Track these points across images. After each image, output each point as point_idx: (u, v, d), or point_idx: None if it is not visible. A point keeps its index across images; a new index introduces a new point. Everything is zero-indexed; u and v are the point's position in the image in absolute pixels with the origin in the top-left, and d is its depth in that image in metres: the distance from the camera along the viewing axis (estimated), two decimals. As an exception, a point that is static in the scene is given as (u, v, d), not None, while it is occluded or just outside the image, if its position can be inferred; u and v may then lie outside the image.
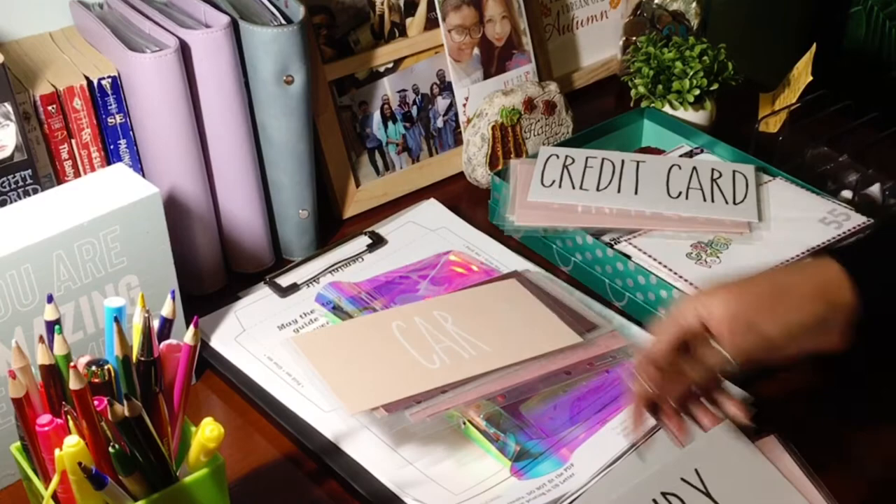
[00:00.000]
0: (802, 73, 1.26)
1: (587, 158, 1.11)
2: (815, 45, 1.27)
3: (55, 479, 0.66)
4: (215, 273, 1.05)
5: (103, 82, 0.94)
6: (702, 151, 1.18)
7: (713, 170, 1.10)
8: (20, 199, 0.89)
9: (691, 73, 1.23)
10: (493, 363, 0.90)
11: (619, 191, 1.07)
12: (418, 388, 0.87)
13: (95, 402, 0.66)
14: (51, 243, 0.81)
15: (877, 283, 0.75)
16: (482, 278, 1.03)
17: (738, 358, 0.74)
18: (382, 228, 1.11)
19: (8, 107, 0.86)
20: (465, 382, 0.88)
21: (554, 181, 1.09)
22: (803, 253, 1.00)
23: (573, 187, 1.08)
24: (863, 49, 1.75)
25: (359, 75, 1.17)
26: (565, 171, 1.10)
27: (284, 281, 1.04)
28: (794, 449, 0.80)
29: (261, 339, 0.97)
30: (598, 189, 1.08)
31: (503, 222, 1.08)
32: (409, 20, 1.20)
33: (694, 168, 1.10)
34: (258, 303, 1.01)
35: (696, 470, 0.78)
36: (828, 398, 0.94)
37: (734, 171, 1.10)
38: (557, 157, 1.12)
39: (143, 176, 0.97)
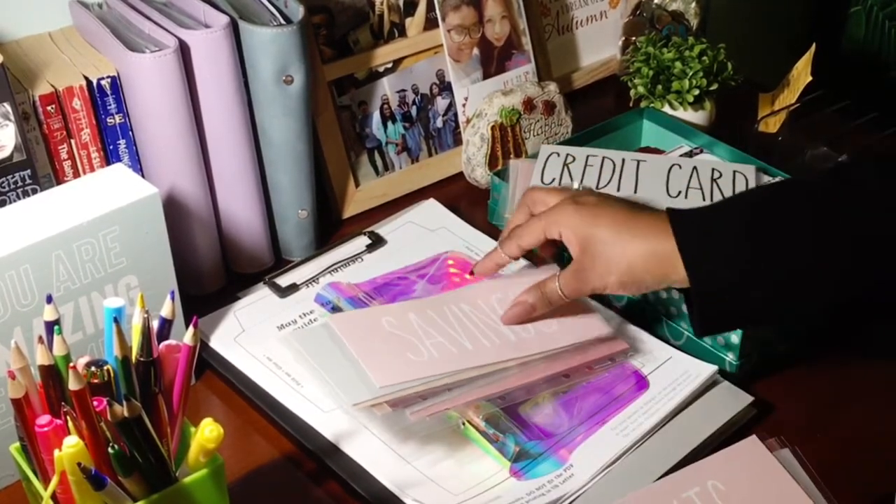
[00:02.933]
0: (802, 73, 1.26)
1: (588, 157, 1.11)
2: (814, 45, 1.27)
3: (54, 480, 0.66)
4: (215, 273, 1.05)
5: (103, 82, 0.94)
6: (701, 151, 1.18)
7: (713, 170, 1.10)
8: (19, 199, 0.89)
9: (691, 74, 1.23)
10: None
11: (618, 190, 1.07)
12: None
13: (95, 403, 0.66)
14: (50, 243, 0.81)
15: (710, 263, 0.82)
16: (481, 280, 1.03)
17: (570, 295, 0.90)
18: (382, 228, 1.11)
19: (7, 107, 0.86)
20: (486, 374, 0.88)
21: (554, 179, 1.09)
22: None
23: (573, 186, 1.08)
24: (863, 49, 1.75)
25: (358, 75, 1.17)
26: (566, 169, 1.10)
27: (284, 281, 1.04)
28: (800, 454, 0.80)
29: (260, 339, 0.97)
30: (597, 188, 1.08)
31: (502, 222, 1.08)
32: (408, 20, 1.20)
33: (694, 168, 1.10)
34: (258, 303, 1.01)
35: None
36: (830, 399, 0.94)
37: (734, 172, 1.10)
38: (558, 155, 1.12)
39: (143, 176, 0.97)
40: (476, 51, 1.24)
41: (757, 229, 0.82)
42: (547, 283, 0.91)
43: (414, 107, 1.22)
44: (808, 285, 0.81)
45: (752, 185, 1.08)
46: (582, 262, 0.87)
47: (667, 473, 0.83)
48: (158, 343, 0.72)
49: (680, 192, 1.07)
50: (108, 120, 0.96)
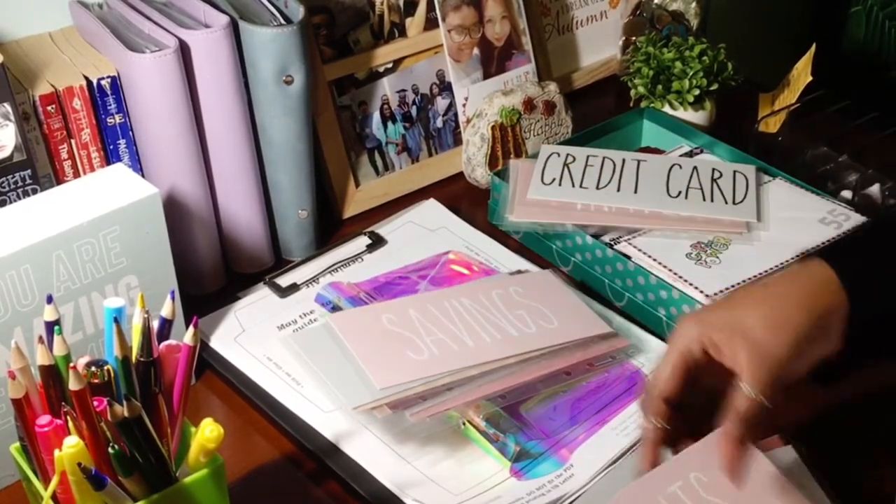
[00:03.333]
0: (802, 73, 1.26)
1: (588, 157, 1.11)
2: (814, 45, 1.27)
3: (54, 480, 0.66)
4: (215, 273, 1.05)
5: (103, 82, 0.94)
6: (701, 151, 1.18)
7: (714, 170, 1.10)
8: (19, 199, 0.89)
9: (691, 74, 1.23)
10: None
11: (618, 189, 1.07)
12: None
13: (95, 403, 0.66)
14: (50, 244, 0.81)
15: (866, 283, 0.74)
16: (481, 278, 1.03)
17: (762, 391, 0.70)
18: (382, 228, 1.11)
19: (7, 107, 0.86)
20: (487, 372, 0.88)
21: (554, 179, 1.09)
22: (803, 253, 1.00)
23: (573, 185, 1.08)
24: (863, 49, 1.75)
25: (358, 75, 1.17)
26: (566, 169, 1.10)
27: (284, 281, 1.04)
28: (802, 449, 0.80)
29: (260, 339, 0.97)
30: (597, 187, 1.08)
31: (503, 222, 1.08)
32: (408, 20, 1.20)
33: (694, 168, 1.10)
34: (258, 303, 1.01)
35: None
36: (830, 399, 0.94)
37: (734, 172, 1.10)
38: (558, 155, 1.12)
39: (143, 176, 0.97)
40: (476, 51, 1.24)
41: None
42: (734, 401, 0.71)
43: (414, 107, 1.22)
44: None
45: (752, 185, 1.08)
46: (750, 343, 0.71)
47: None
48: (158, 343, 0.72)
49: (680, 192, 1.07)
50: (109, 120, 0.96)
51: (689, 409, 0.75)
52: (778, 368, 0.71)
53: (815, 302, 0.72)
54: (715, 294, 0.95)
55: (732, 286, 0.96)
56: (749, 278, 0.97)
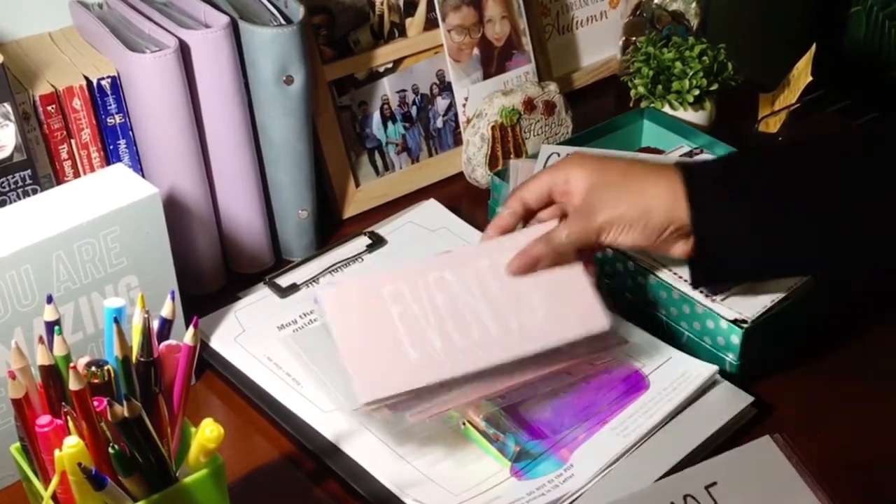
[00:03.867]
0: (802, 73, 1.26)
1: (587, 158, 1.11)
2: (814, 45, 1.27)
3: (55, 480, 0.66)
4: (215, 273, 1.05)
5: (103, 82, 0.94)
6: (701, 152, 1.18)
7: (713, 170, 1.10)
8: (20, 199, 0.89)
9: (691, 74, 1.23)
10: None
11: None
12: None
13: (95, 403, 0.66)
14: (50, 244, 0.81)
15: (708, 186, 0.84)
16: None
17: (574, 238, 0.86)
18: (382, 229, 1.11)
19: (7, 107, 0.86)
20: (478, 376, 0.86)
21: (554, 181, 1.08)
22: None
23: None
24: (863, 49, 1.75)
25: (358, 75, 1.17)
26: (565, 170, 1.10)
27: (284, 281, 1.04)
28: (795, 449, 0.80)
29: (261, 339, 0.97)
30: (597, 189, 1.08)
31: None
32: (408, 20, 1.20)
33: (694, 168, 1.10)
34: (258, 303, 1.01)
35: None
36: (830, 399, 0.94)
37: (734, 172, 1.10)
38: (558, 155, 1.12)
39: (143, 176, 0.97)
40: (476, 51, 1.24)
41: (765, 188, 0.84)
42: (552, 232, 0.87)
43: (414, 107, 1.22)
44: (808, 248, 0.84)
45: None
46: (589, 201, 0.86)
47: (667, 473, 0.83)
48: (159, 343, 0.72)
49: (680, 193, 1.07)
50: (109, 120, 0.96)
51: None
52: (592, 231, 0.86)
53: (667, 207, 0.84)
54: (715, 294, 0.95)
55: (733, 286, 0.96)
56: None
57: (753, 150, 1.00)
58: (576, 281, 0.89)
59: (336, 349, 0.85)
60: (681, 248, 0.87)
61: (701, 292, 0.95)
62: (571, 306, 0.88)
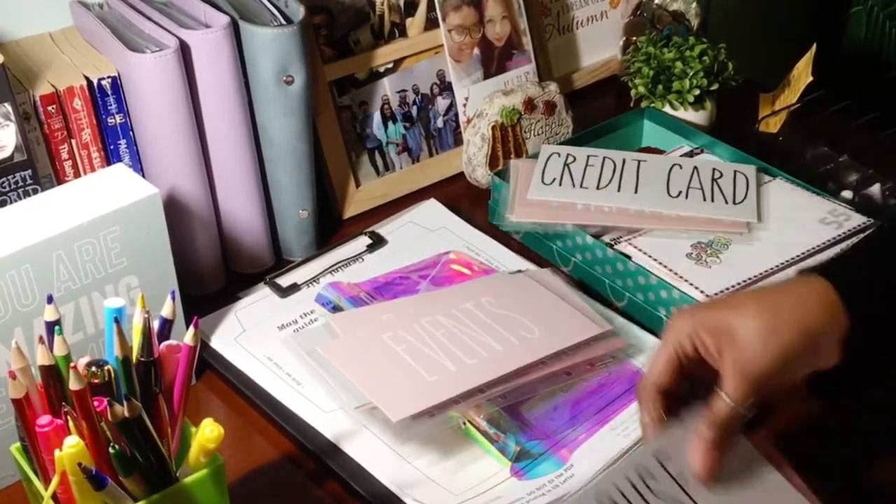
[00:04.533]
0: (802, 73, 1.26)
1: (588, 157, 1.11)
2: (815, 46, 1.27)
3: (55, 480, 0.66)
4: (215, 273, 1.05)
5: (103, 82, 0.94)
6: (702, 152, 1.18)
7: (714, 170, 1.10)
8: (20, 199, 0.89)
9: (691, 74, 1.23)
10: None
11: (619, 189, 1.07)
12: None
13: (95, 403, 0.66)
14: (51, 244, 0.81)
15: (866, 299, 0.73)
16: (481, 277, 1.03)
17: (740, 399, 0.71)
18: (382, 229, 1.11)
19: (8, 107, 0.86)
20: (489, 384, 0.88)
21: (555, 179, 1.09)
22: (803, 253, 1.00)
23: (573, 185, 1.08)
24: (863, 49, 1.75)
25: (359, 75, 1.17)
26: (566, 169, 1.10)
27: (284, 281, 1.04)
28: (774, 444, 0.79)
29: (261, 339, 0.97)
30: (598, 187, 1.08)
31: (503, 222, 1.08)
32: (408, 20, 1.20)
33: (695, 168, 1.10)
34: (258, 303, 1.01)
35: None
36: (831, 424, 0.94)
37: (735, 172, 1.10)
38: (559, 155, 1.12)
39: (143, 176, 0.97)
40: (476, 51, 1.24)
41: None
42: (713, 406, 0.72)
43: (414, 107, 1.22)
44: None
45: (752, 185, 1.08)
46: (737, 352, 0.71)
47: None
48: (159, 343, 0.72)
49: (680, 193, 1.07)
50: (109, 120, 0.96)
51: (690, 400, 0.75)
52: (759, 379, 0.70)
53: (810, 320, 0.71)
54: (715, 294, 0.95)
55: (733, 286, 0.96)
56: (750, 278, 0.97)
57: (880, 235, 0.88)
58: (559, 306, 0.94)
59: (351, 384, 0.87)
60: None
61: (702, 292, 0.95)
62: (565, 322, 0.93)
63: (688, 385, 0.75)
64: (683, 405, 0.76)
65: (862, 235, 1.00)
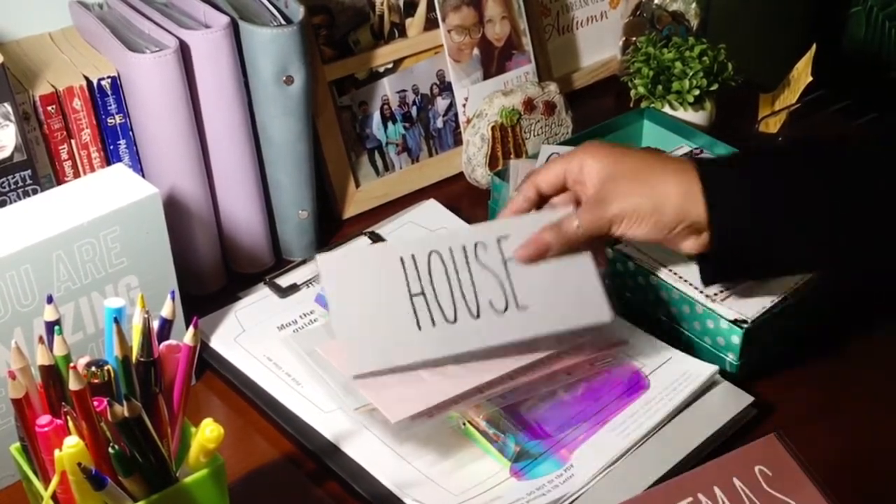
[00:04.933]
0: (802, 73, 1.26)
1: (587, 158, 1.11)
2: (815, 46, 1.27)
3: (55, 480, 0.66)
4: (215, 273, 1.05)
5: (103, 83, 0.94)
6: (702, 152, 1.18)
7: (713, 170, 1.10)
8: (20, 199, 0.89)
9: (691, 74, 1.23)
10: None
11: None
12: (453, 390, 0.85)
13: (95, 403, 0.66)
14: (50, 244, 0.81)
15: (728, 220, 0.83)
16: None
17: (587, 227, 0.86)
18: (382, 229, 1.11)
19: (7, 107, 0.86)
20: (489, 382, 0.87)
21: (554, 181, 1.08)
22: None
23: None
24: (863, 49, 1.75)
25: (359, 75, 1.17)
26: (565, 170, 1.10)
27: (284, 281, 1.04)
28: (794, 448, 0.80)
29: (261, 339, 0.97)
30: (598, 189, 1.08)
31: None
32: (408, 20, 1.20)
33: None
34: (258, 303, 1.01)
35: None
36: (831, 399, 0.94)
37: (734, 172, 1.10)
38: (558, 155, 1.11)
39: (143, 176, 0.97)
40: (476, 51, 1.24)
41: (781, 185, 0.84)
42: (564, 220, 0.87)
43: (414, 107, 1.22)
44: (819, 239, 0.84)
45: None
46: (603, 191, 0.85)
47: (667, 474, 0.83)
48: (159, 343, 0.72)
49: (680, 193, 1.07)
50: (109, 120, 0.96)
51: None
52: (604, 221, 0.85)
53: (680, 205, 0.83)
54: (715, 294, 0.95)
55: (733, 286, 0.96)
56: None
57: (767, 146, 0.99)
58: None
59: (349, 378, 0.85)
60: (691, 244, 0.86)
61: (702, 292, 0.95)
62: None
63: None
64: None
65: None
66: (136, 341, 0.70)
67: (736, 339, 0.92)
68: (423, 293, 0.86)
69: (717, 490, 0.76)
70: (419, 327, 0.84)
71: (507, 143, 1.20)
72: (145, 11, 1.00)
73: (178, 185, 0.98)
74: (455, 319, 0.86)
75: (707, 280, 0.90)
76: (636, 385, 0.92)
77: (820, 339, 0.98)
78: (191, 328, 0.71)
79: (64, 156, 0.95)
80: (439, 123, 1.24)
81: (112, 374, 0.68)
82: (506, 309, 0.87)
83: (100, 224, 0.83)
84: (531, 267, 0.88)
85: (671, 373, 0.92)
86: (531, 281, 0.88)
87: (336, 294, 0.85)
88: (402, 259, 0.86)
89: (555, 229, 0.87)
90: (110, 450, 0.65)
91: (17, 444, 0.72)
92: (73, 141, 0.95)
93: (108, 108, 0.96)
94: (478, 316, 0.86)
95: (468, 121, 1.22)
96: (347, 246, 0.89)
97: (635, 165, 0.86)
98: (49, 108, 0.92)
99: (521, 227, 0.89)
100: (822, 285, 0.96)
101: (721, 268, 0.87)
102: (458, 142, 1.25)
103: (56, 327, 0.69)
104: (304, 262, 1.07)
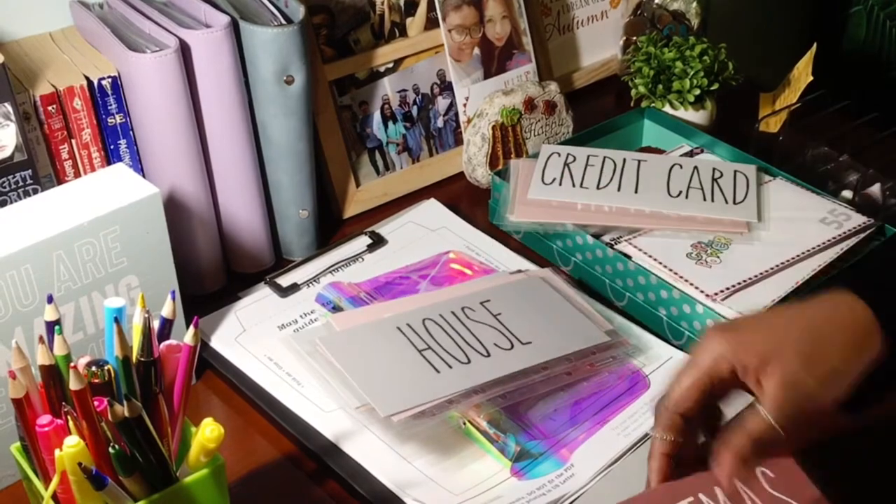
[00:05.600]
0: (802, 73, 1.26)
1: (588, 157, 1.11)
2: (815, 45, 1.27)
3: (55, 480, 0.66)
4: (215, 273, 1.05)
5: (103, 82, 0.94)
6: (702, 151, 1.18)
7: (714, 169, 1.10)
8: (20, 199, 0.89)
9: (691, 73, 1.23)
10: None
11: (619, 189, 1.07)
12: (451, 389, 0.86)
13: (95, 403, 0.66)
14: (51, 243, 0.81)
15: None
16: (481, 277, 1.03)
17: (782, 422, 0.69)
18: (382, 228, 1.11)
19: (8, 107, 0.86)
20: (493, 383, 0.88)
21: (555, 179, 1.09)
22: (803, 253, 1.00)
23: (573, 185, 1.08)
24: (863, 49, 1.75)
25: (359, 75, 1.17)
26: (566, 169, 1.10)
27: (284, 281, 1.04)
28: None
29: (261, 339, 0.97)
30: (598, 187, 1.08)
31: (503, 222, 1.08)
32: (409, 20, 1.20)
33: (695, 167, 1.10)
34: (258, 303, 1.01)
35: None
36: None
37: (735, 171, 1.10)
38: (559, 155, 1.12)
39: (143, 176, 0.97)
40: (477, 51, 1.24)
41: None
42: (747, 421, 0.70)
43: (415, 106, 1.22)
44: None
45: (752, 185, 1.08)
46: (784, 375, 0.69)
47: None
48: (159, 343, 0.72)
49: (680, 192, 1.07)
50: (109, 120, 0.96)
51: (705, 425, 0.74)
52: (805, 404, 0.69)
53: (856, 346, 0.70)
54: (715, 294, 0.95)
55: (733, 286, 0.96)
56: (749, 278, 0.97)
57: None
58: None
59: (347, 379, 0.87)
60: None
61: (702, 292, 0.95)
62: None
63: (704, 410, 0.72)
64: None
65: (886, 240, 0.99)
66: (136, 341, 0.70)
67: (736, 339, 0.92)
68: (430, 348, 0.90)
69: (717, 491, 0.75)
70: (437, 371, 0.88)
71: (508, 142, 1.20)
72: (146, 11, 1.00)
73: (178, 184, 0.98)
74: (468, 361, 0.89)
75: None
76: (636, 385, 0.92)
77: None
78: (191, 328, 0.71)
79: (64, 155, 0.95)
80: (440, 123, 1.24)
81: (112, 374, 0.68)
82: (511, 347, 0.91)
83: (100, 224, 0.83)
84: (520, 315, 0.94)
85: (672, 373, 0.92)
86: (525, 324, 0.93)
87: (349, 363, 0.88)
88: (399, 328, 0.92)
89: (742, 439, 0.70)
90: (110, 450, 0.65)
91: (18, 444, 0.72)
92: (73, 141, 0.95)
93: (109, 107, 0.96)
94: (488, 355, 0.90)
95: (469, 120, 1.22)
96: (340, 326, 0.93)
97: (785, 324, 0.71)
98: (49, 107, 0.93)
99: (498, 291, 0.96)
100: (822, 284, 0.96)
101: None
102: (458, 141, 1.25)
103: (56, 327, 0.69)
104: (304, 261, 1.07)
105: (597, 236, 1.04)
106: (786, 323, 0.71)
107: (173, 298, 0.74)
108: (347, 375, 0.87)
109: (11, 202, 0.89)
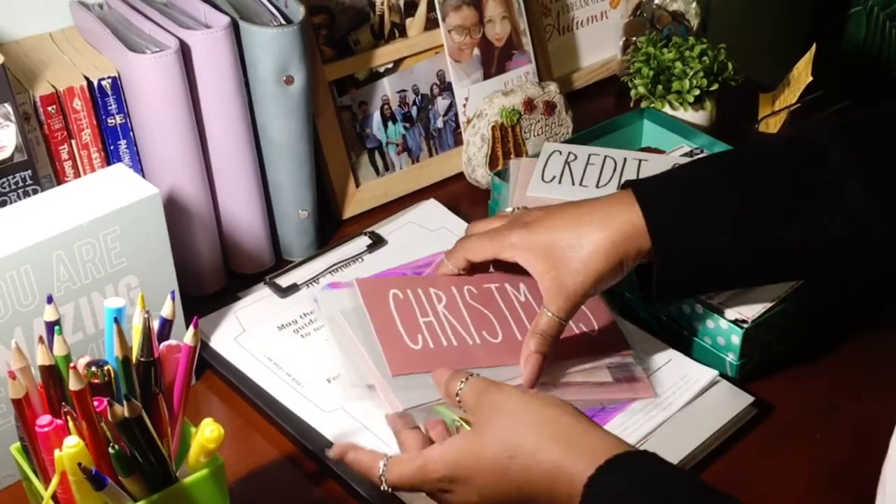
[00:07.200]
0: (802, 73, 1.26)
1: (589, 155, 1.11)
2: (814, 46, 1.27)
3: (55, 480, 0.66)
4: (215, 273, 1.05)
5: (103, 83, 0.94)
6: (702, 152, 1.18)
7: (713, 170, 1.10)
8: (20, 199, 0.89)
9: (691, 74, 1.23)
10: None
11: (618, 188, 1.07)
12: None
13: (95, 403, 0.66)
14: (51, 244, 0.81)
15: (671, 232, 0.83)
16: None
17: (563, 315, 0.85)
18: (382, 229, 1.11)
19: (8, 107, 0.86)
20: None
21: (554, 177, 1.09)
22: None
23: (573, 183, 1.08)
24: (863, 49, 1.75)
25: (359, 75, 1.17)
26: (566, 167, 1.10)
27: (284, 281, 1.04)
28: None
29: (261, 339, 0.97)
30: (597, 186, 1.08)
31: (503, 222, 1.08)
32: (408, 20, 1.20)
33: (694, 168, 1.10)
34: (258, 303, 1.01)
35: None
36: (831, 399, 0.94)
37: (734, 172, 1.10)
38: (560, 153, 1.12)
39: (143, 176, 0.97)
40: (476, 51, 1.24)
41: (724, 199, 0.85)
42: (538, 321, 0.86)
43: (414, 107, 1.22)
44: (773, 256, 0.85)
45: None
46: (554, 274, 0.84)
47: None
48: (159, 343, 0.72)
49: (680, 193, 1.07)
50: (109, 120, 0.96)
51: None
52: (576, 298, 0.84)
53: (620, 250, 0.83)
54: (715, 294, 0.95)
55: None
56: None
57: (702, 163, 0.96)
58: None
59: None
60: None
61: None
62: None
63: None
64: None
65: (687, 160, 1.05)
66: (136, 341, 0.70)
67: (736, 339, 0.92)
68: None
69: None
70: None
71: (508, 142, 1.20)
72: (145, 11, 1.00)
73: (178, 185, 0.98)
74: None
75: (657, 295, 0.88)
76: (635, 386, 0.92)
77: (820, 339, 0.98)
78: (191, 328, 0.71)
79: (64, 156, 0.95)
80: (439, 123, 1.24)
81: (112, 374, 0.68)
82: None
83: (100, 224, 0.83)
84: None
85: (671, 375, 0.92)
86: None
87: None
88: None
89: (536, 336, 0.85)
90: (110, 450, 0.65)
91: (17, 444, 0.72)
92: (73, 141, 0.95)
93: (109, 108, 0.96)
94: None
95: (468, 121, 1.22)
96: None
97: (569, 231, 0.85)
98: (49, 108, 0.93)
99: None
100: (821, 286, 0.96)
101: (666, 286, 0.87)
102: (458, 142, 1.25)
103: (56, 327, 0.69)
104: (304, 262, 1.07)
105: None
106: (564, 224, 0.86)
107: (173, 299, 0.74)
108: (371, 322, 0.89)
109: (11, 202, 0.89)
